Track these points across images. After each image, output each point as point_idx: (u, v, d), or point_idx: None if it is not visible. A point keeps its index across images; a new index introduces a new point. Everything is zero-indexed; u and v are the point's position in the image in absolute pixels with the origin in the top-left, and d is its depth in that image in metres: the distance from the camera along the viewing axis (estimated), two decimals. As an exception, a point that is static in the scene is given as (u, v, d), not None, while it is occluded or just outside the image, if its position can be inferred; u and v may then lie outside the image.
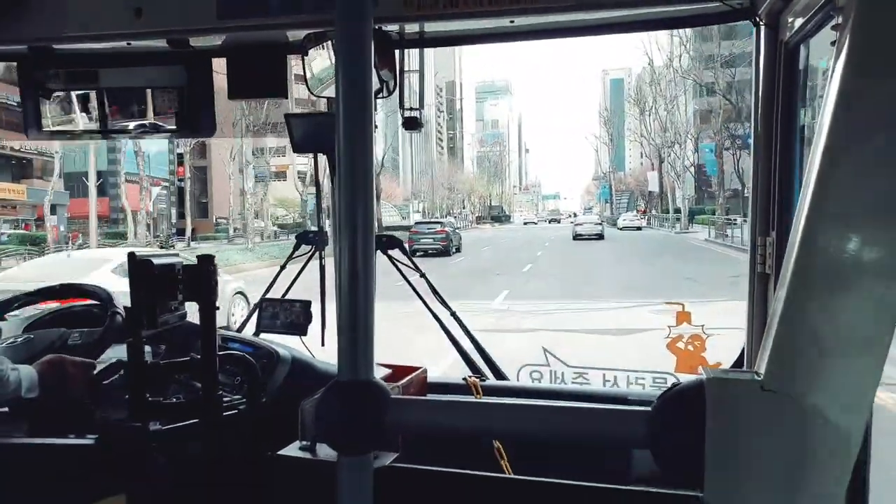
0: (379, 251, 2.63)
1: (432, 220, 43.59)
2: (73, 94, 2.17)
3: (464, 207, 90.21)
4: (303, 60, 2.01)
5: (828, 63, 0.99)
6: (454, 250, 29.46)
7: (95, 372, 1.87)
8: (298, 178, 42.52)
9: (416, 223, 35.54)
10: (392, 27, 1.92)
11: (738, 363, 2.02)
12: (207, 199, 51.70)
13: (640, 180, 77.58)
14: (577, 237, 40.70)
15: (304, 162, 39.27)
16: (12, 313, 2.27)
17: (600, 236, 40.61)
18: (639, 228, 52.19)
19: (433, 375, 2.26)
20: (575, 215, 68.71)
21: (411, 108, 2.13)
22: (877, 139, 0.94)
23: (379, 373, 2.04)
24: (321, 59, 2.02)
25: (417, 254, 22.48)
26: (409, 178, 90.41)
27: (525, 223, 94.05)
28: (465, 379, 2.35)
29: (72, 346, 2.08)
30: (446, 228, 30.55)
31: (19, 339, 2.10)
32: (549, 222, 60.41)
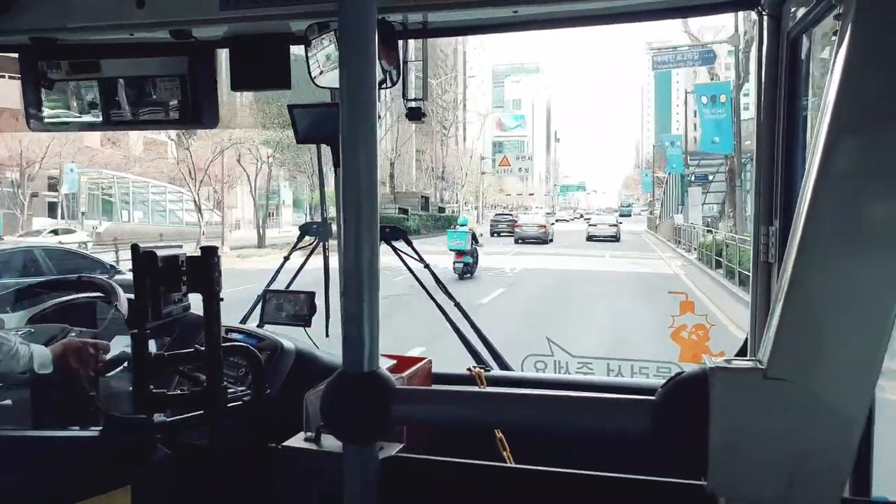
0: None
1: (508, 212, 52.43)
2: (75, 84, 2.17)
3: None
4: (305, 51, 2.00)
5: (830, 52, 0.99)
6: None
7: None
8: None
9: (496, 214, 48.12)
10: (395, 17, 1.91)
11: (741, 352, 2.02)
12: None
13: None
14: (590, 238, 37.27)
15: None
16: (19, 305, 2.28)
17: (615, 238, 36.81)
18: None
19: (438, 366, 2.27)
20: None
21: (414, 99, 2.13)
22: (879, 128, 0.94)
23: (383, 364, 2.04)
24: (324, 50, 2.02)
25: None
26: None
27: (557, 220, 59.49)
28: (469, 369, 2.36)
29: None
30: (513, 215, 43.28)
31: (20, 332, 2.11)
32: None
